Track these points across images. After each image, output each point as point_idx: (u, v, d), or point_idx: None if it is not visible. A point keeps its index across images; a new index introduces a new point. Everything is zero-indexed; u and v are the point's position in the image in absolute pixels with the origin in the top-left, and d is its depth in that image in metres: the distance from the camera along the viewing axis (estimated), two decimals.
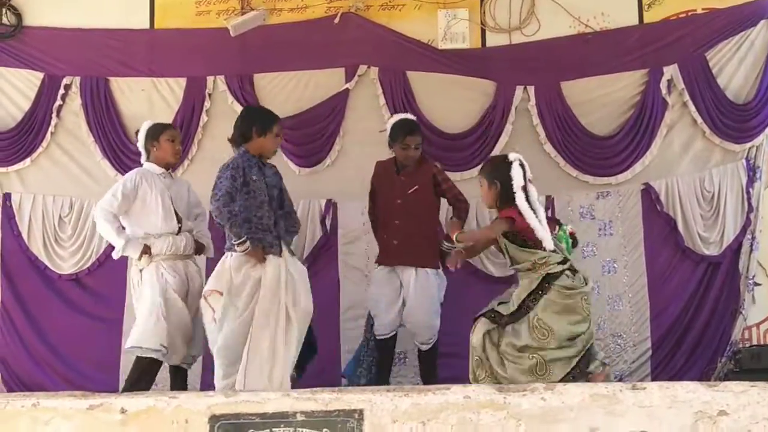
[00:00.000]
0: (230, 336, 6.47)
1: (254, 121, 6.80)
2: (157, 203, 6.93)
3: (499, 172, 6.29)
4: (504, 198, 6.25)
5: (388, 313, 7.22)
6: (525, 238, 6.15)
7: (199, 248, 7.16)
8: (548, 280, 6.01)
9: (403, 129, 7.36)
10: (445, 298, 7.32)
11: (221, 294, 6.52)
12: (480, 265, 8.30)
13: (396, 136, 7.32)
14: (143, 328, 6.74)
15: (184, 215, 7.09)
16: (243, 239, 6.45)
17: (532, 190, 6.26)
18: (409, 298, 7.16)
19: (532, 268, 6.08)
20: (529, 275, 6.10)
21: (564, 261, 6.12)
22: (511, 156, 6.33)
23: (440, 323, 7.23)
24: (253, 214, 6.56)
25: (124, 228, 6.98)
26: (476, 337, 6.09)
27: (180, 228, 6.99)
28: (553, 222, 6.70)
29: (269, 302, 6.43)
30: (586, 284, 6.14)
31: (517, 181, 6.19)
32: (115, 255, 7.06)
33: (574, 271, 6.13)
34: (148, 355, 6.72)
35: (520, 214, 6.11)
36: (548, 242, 6.10)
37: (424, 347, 7.24)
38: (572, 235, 6.55)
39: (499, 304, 6.16)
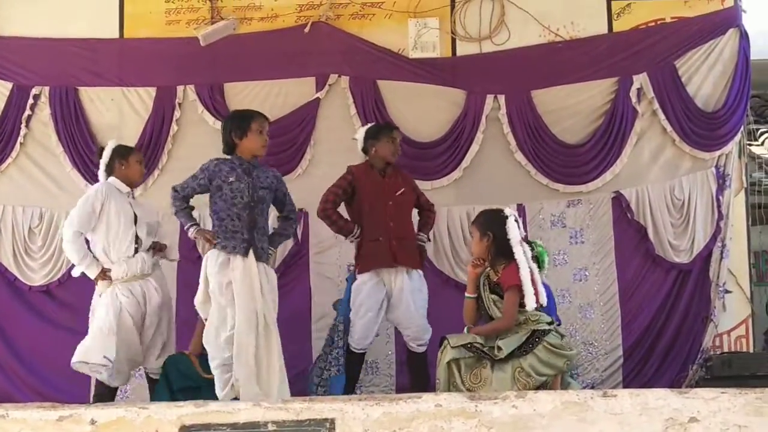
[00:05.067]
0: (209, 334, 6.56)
1: (231, 127, 6.80)
2: (118, 223, 6.96)
3: (493, 224, 6.24)
4: (496, 251, 6.20)
5: (373, 326, 7.17)
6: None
7: (160, 248, 7.20)
8: (537, 335, 5.94)
9: (386, 126, 7.63)
10: None
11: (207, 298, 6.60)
12: (452, 273, 8.30)
13: (380, 133, 7.37)
14: (90, 344, 6.81)
15: (147, 233, 7.10)
16: (187, 226, 6.73)
17: (527, 249, 6.23)
18: (403, 300, 7.12)
19: (524, 322, 6.02)
20: (515, 329, 6.01)
21: (551, 322, 6.08)
22: (507, 211, 6.31)
23: None
24: (226, 214, 6.58)
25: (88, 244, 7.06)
26: (441, 368, 6.02)
27: (137, 249, 7.00)
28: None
29: (245, 307, 6.39)
30: (571, 350, 6.13)
31: (514, 235, 6.15)
32: (75, 273, 7.14)
33: (560, 334, 6.10)
34: (94, 371, 6.84)
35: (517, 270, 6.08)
36: (531, 305, 6.03)
37: (421, 348, 7.17)
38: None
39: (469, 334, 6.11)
